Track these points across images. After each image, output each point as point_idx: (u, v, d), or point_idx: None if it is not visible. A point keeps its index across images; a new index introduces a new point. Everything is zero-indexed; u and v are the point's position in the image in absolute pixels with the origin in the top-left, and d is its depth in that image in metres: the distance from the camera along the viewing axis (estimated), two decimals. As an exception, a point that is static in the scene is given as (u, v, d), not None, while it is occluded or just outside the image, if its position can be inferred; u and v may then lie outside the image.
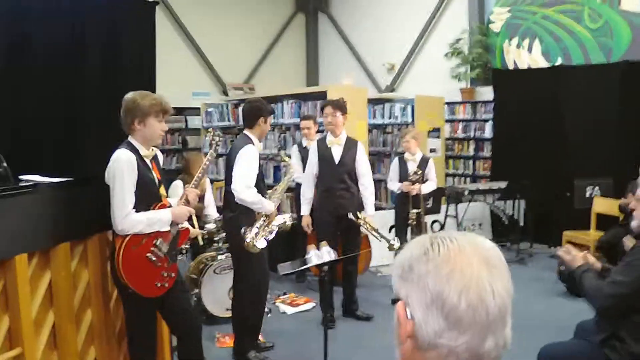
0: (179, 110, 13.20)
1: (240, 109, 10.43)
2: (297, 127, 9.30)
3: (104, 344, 4.12)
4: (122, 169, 3.75)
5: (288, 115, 9.47)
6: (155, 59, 9.90)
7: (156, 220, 3.88)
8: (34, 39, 7.77)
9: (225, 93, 14.93)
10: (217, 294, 6.27)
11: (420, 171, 7.40)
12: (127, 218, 3.75)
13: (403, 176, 7.56)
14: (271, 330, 6.19)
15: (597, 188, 8.83)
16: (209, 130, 5.14)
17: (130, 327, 4.12)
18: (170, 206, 4.07)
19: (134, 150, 3.87)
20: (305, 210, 6.68)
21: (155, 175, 4.04)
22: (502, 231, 10.00)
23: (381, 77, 15.62)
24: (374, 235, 6.43)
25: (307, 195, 6.65)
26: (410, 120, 10.32)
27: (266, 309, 6.65)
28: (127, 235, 3.78)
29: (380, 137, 11.05)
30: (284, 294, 7.31)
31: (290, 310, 6.82)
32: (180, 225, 4.10)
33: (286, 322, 6.61)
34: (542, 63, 12.01)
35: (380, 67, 15.56)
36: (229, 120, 10.78)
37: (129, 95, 3.93)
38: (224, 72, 15.16)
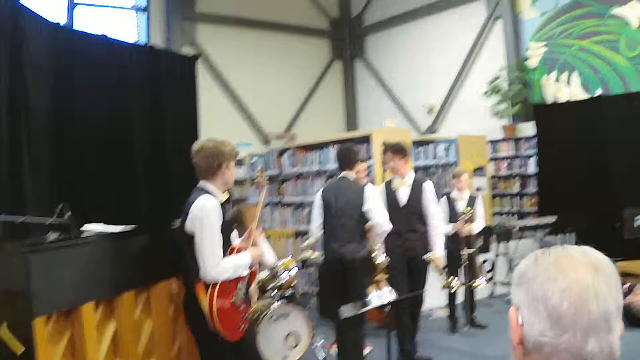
0: (223, 163, 13.30)
1: (284, 157, 10.53)
2: (342, 172, 9.32)
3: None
4: (211, 217, 3.81)
5: (333, 160, 9.49)
6: (197, 112, 10.03)
7: (240, 265, 3.96)
8: (77, 95, 7.93)
9: (266, 142, 15.07)
10: (273, 341, 6.26)
11: (471, 210, 7.38)
12: (219, 265, 3.79)
13: (452, 216, 7.54)
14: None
15: (645, 217, 8.70)
16: (258, 170, 5.23)
17: None
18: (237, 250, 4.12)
19: (214, 197, 3.96)
20: None
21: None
22: (553, 267, 9.85)
23: (420, 119, 15.63)
24: (439, 274, 6.54)
25: None
26: (454, 160, 10.30)
27: (323, 356, 6.63)
28: (216, 284, 3.78)
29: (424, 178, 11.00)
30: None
31: (347, 355, 6.75)
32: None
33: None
34: (581, 95, 11.96)
35: (419, 109, 15.58)
36: (274, 168, 10.86)
37: (206, 142, 4.12)
38: (264, 122, 15.32)
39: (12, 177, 5.52)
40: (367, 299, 4.48)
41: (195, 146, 4.10)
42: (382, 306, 4.37)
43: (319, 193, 6.43)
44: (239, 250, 4.05)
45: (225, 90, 14.81)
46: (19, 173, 5.57)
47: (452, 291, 7.04)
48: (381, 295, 4.41)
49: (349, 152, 6.27)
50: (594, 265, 1.28)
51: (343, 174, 6.22)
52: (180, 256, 3.99)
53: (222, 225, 3.89)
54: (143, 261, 3.96)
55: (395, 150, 6.38)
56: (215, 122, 13.01)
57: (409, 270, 6.36)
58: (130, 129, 8.49)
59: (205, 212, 3.80)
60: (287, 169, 10.32)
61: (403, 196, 6.40)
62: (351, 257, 6.02)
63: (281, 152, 10.72)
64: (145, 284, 3.98)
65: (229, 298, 3.88)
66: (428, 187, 6.44)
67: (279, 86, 15.74)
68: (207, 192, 3.96)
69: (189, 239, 3.83)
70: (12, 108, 5.59)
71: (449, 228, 7.44)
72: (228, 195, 4.14)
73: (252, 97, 15.11)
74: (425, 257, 6.22)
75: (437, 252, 6.35)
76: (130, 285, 3.78)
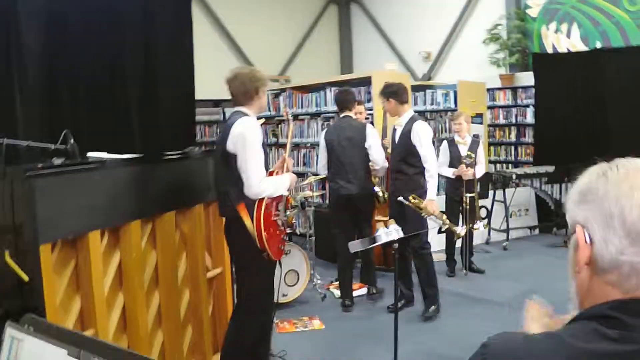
0: (216, 103, 13.16)
1: (280, 98, 10.39)
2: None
3: (172, 328, 4.07)
4: (254, 135, 3.97)
5: (331, 103, 9.35)
6: (192, 52, 9.87)
7: (280, 184, 4.14)
8: (72, 30, 7.79)
9: (260, 85, 14.89)
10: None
11: (473, 154, 7.32)
12: (262, 182, 3.95)
13: (454, 160, 7.47)
14: (332, 316, 6.16)
15: (644, 169, 8.64)
16: (284, 107, 5.37)
17: (252, 298, 4.20)
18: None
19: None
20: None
21: None
22: (548, 216, 9.89)
23: (417, 66, 15.47)
24: (436, 221, 6.27)
25: None
26: (452, 106, 10.19)
27: (320, 294, 6.62)
28: (261, 202, 3.95)
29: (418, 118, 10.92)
30: (336, 280, 7.23)
31: (345, 295, 6.76)
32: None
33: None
34: (581, 48, 11.81)
35: (416, 55, 15.41)
36: (269, 110, 10.71)
37: (242, 69, 4.29)
38: (259, 64, 15.01)
39: (4, 111, 5.43)
40: (376, 234, 4.42)
41: (230, 74, 4.21)
42: (389, 243, 4.31)
43: (323, 134, 6.60)
44: (277, 174, 4.24)
45: (219, 32, 14.55)
46: (12, 109, 5.48)
47: (459, 237, 6.91)
48: (388, 232, 4.35)
49: (347, 93, 6.71)
50: None
51: (344, 114, 6.59)
52: (219, 181, 4.17)
53: (262, 147, 4.05)
54: (149, 190, 3.85)
55: (382, 93, 6.22)
56: (209, 62, 12.81)
57: (401, 213, 6.08)
58: (123, 65, 8.36)
59: (248, 131, 3.95)
60: (283, 111, 10.18)
61: (397, 136, 6.27)
62: (356, 193, 6.29)
63: (277, 94, 10.58)
64: (151, 214, 3.88)
65: (272, 216, 4.04)
66: (417, 127, 6.06)
67: (274, 28, 15.55)
68: (246, 115, 4.11)
69: (231, 160, 3.96)
70: (4, 46, 5.47)
71: (449, 172, 7.38)
72: (263, 120, 4.25)
73: (246, 38, 14.88)
74: (400, 198, 5.99)
75: (428, 196, 6.04)
76: (136, 214, 3.68)
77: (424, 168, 6.04)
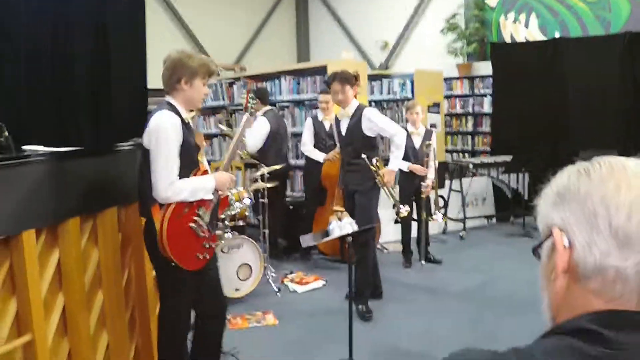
0: (170, 92, 12.95)
1: (234, 87, 10.20)
2: (296, 103, 9.08)
3: (117, 329, 3.88)
4: (167, 133, 3.53)
5: (286, 92, 9.20)
6: (145, 37, 9.65)
7: (200, 187, 3.67)
8: (18, 20, 7.53)
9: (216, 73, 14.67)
10: (225, 273, 6.06)
11: (431, 144, 7.25)
12: (172, 185, 3.52)
13: (407, 151, 7.35)
14: (287, 310, 6.02)
15: (601, 160, 8.67)
16: (244, 92, 5.00)
17: (167, 307, 3.83)
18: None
19: (176, 113, 3.66)
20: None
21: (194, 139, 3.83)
22: (505, 205, 9.88)
23: (374, 55, 15.42)
24: (386, 192, 6.04)
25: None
26: (409, 95, 10.14)
27: (275, 288, 6.48)
28: (170, 205, 3.55)
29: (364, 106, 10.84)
30: (291, 272, 7.11)
31: (300, 289, 6.61)
32: (220, 193, 3.90)
33: (299, 301, 6.39)
34: (539, 38, 11.89)
35: (373, 44, 15.35)
36: (223, 99, 10.52)
37: (175, 54, 3.76)
38: (214, 53, 14.81)
39: None
40: (328, 228, 4.29)
41: (165, 56, 3.82)
42: (342, 237, 4.19)
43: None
44: (203, 174, 3.80)
45: (173, 19, 14.29)
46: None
47: (400, 219, 6.67)
48: (342, 226, 4.23)
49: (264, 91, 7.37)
50: None
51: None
52: (139, 177, 3.74)
53: (184, 144, 3.61)
54: (89, 185, 3.64)
55: (344, 78, 5.84)
56: (163, 50, 12.54)
57: (352, 205, 5.96)
58: (72, 49, 8.10)
59: (161, 127, 3.53)
60: (238, 100, 10.00)
61: (344, 127, 6.03)
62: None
63: (231, 83, 10.39)
64: (92, 210, 3.68)
65: (186, 222, 3.62)
66: (366, 112, 5.84)
67: (229, 16, 15.33)
68: (170, 107, 3.67)
69: (146, 156, 3.57)
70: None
71: (405, 165, 7.24)
72: (193, 115, 3.85)
73: (201, 26, 14.65)
74: (363, 156, 5.74)
75: (390, 165, 5.90)
76: (75, 211, 3.47)
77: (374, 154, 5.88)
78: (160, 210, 3.54)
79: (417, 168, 7.24)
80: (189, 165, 3.67)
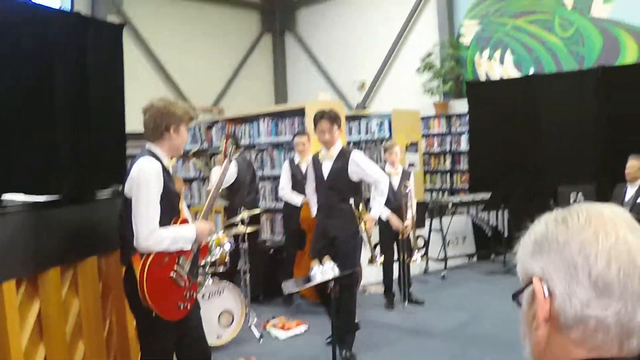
0: (148, 135, 12.94)
1: (213, 130, 10.20)
2: (274, 146, 9.09)
3: (99, 379, 3.84)
4: (148, 180, 3.49)
5: (265, 134, 9.21)
6: (123, 81, 9.64)
7: (180, 237, 3.61)
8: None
9: (194, 116, 14.68)
10: (206, 320, 5.98)
11: (408, 186, 7.27)
12: (153, 234, 3.45)
13: (388, 192, 7.35)
14: (269, 358, 5.91)
15: (580, 194, 8.74)
16: (223, 137, 4.96)
17: (148, 355, 3.71)
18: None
19: (158, 160, 3.63)
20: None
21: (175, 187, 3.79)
22: (485, 243, 9.90)
23: (351, 95, 15.53)
24: (366, 238, 5.86)
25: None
26: (387, 135, 10.17)
27: (257, 335, 6.41)
28: (150, 254, 3.47)
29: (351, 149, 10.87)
30: (273, 317, 7.04)
31: (282, 335, 6.53)
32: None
33: (281, 347, 6.30)
34: (514, 74, 12.05)
35: (350, 84, 15.48)
36: (201, 142, 10.51)
37: (159, 102, 3.72)
38: (192, 95, 14.90)
39: None
40: (310, 274, 4.26)
41: (146, 104, 3.77)
42: (324, 282, 4.16)
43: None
44: (183, 222, 3.75)
45: (151, 62, 14.36)
46: None
47: (377, 265, 6.63)
48: (324, 271, 4.21)
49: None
50: (628, 222, 1.09)
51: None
52: (120, 225, 3.67)
53: (165, 192, 3.58)
54: (69, 235, 3.61)
55: (333, 118, 5.59)
56: (141, 93, 12.56)
57: (333, 252, 5.63)
58: (53, 98, 8.08)
59: (143, 175, 3.49)
60: (216, 143, 9.98)
61: (326, 170, 5.72)
62: None
63: (210, 126, 10.38)
64: (72, 259, 3.64)
65: (166, 272, 3.55)
66: (356, 156, 5.67)
67: (206, 58, 15.43)
68: (152, 154, 3.63)
69: (128, 204, 3.52)
70: None
71: (384, 214, 7.20)
72: (175, 162, 3.80)
73: (179, 69, 14.73)
74: (351, 201, 5.60)
75: (371, 213, 5.80)
76: (55, 261, 3.43)
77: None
78: (139, 260, 3.47)
79: (395, 221, 7.21)
80: (169, 213, 3.63)
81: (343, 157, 5.65)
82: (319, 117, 5.62)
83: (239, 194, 7.56)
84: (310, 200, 6.23)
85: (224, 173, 4.31)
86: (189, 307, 3.71)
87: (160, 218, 3.53)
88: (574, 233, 1.07)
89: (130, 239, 3.50)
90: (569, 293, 1.04)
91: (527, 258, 1.15)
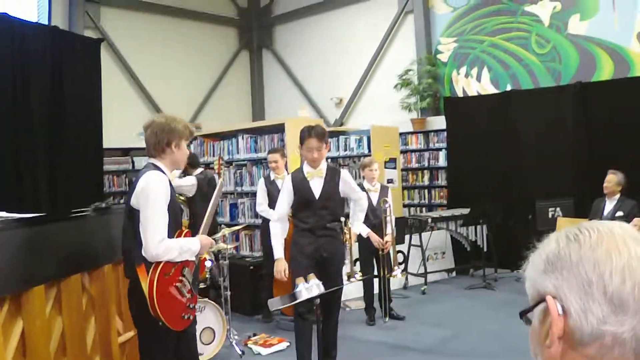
0: (125, 151, 12.86)
1: (191, 147, 10.15)
2: (253, 162, 9.07)
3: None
4: (157, 192, 3.62)
5: (244, 150, 9.19)
6: (101, 97, 9.66)
7: (187, 248, 3.73)
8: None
9: (171, 132, 14.61)
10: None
11: (387, 201, 7.28)
12: (162, 243, 3.55)
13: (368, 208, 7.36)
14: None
15: (558, 209, 8.81)
16: (216, 158, 5.05)
17: None
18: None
19: (163, 174, 3.76)
20: (280, 252, 5.42)
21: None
22: (464, 258, 9.93)
23: (329, 112, 15.56)
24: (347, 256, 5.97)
25: (282, 237, 5.51)
26: (366, 151, 10.21)
27: (239, 351, 6.37)
28: (158, 265, 3.56)
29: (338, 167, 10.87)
30: (254, 334, 7.00)
31: (264, 351, 6.50)
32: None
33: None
34: (491, 91, 12.16)
35: (328, 101, 15.51)
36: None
37: (159, 118, 3.85)
38: (169, 111, 14.70)
39: None
40: (295, 290, 4.24)
41: (147, 121, 3.87)
42: (310, 299, 4.14)
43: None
44: (187, 235, 3.85)
45: (128, 77, 14.29)
46: None
47: (356, 280, 6.64)
48: (309, 287, 4.19)
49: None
50: (636, 239, 1.10)
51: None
52: (124, 238, 3.75)
53: (171, 204, 3.70)
54: (53, 252, 3.57)
55: (322, 136, 5.27)
56: (118, 109, 12.59)
57: (321, 272, 5.17)
58: (30, 112, 8.06)
59: (151, 187, 3.61)
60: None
61: (316, 188, 5.38)
62: None
63: (187, 144, 10.31)
64: (56, 277, 3.60)
65: (172, 283, 3.65)
66: (345, 174, 5.54)
67: (184, 75, 15.39)
68: (157, 168, 3.75)
69: (133, 216, 3.62)
70: None
71: (364, 231, 7.19)
72: (176, 176, 3.91)
73: (156, 85, 14.66)
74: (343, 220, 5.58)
75: (353, 228, 5.82)
76: (40, 279, 3.39)
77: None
78: (145, 271, 3.55)
79: (375, 239, 7.21)
80: (173, 226, 3.72)
81: (333, 175, 5.45)
82: (307, 134, 5.28)
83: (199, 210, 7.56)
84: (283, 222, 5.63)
85: (219, 189, 4.45)
86: (190, 318, 3.82)
87: (167, 230, 3.64)
88: (586, 251, 1.08)
89: (134, 251, 3.60)
90: (585, 310, 1.05)
91: (538, 276, 1.15)
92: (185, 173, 7.68)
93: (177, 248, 3.64)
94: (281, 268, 5.25)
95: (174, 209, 3.72)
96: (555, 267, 1.11)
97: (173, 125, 3.79)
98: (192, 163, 7.84)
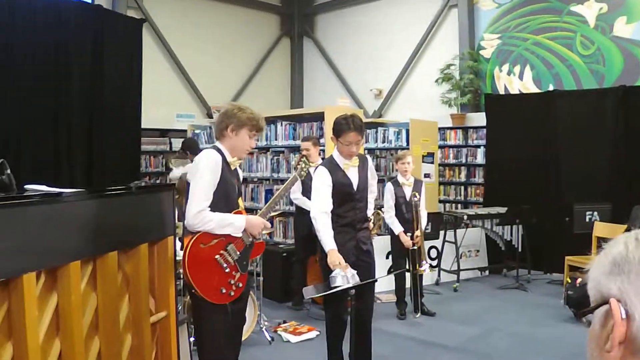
0: (163, 132, 12.92)
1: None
2: (291, 149, 9.06)
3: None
4: (205, 166, 3.87)
5: (282, 137, 9.18)
6: (141, 76, 9.70)
7: (228, 222, 3.91)
8: (18, 53, 7.56)
9: (209, 116, 14.62)
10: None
11: (417, 195, 7.19)
12: (201, 214, 3.80)
13: (399, 202, 7.30)
14: (279, 360, 5.90)
15: (595, 213, 8.67)
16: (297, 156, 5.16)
17: (200, 339, 4.13)
18: None
19: (221, 154, 3.98)
20: (332, 243, 4.83)
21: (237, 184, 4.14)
22: (498, 257, 9.83)
23: (368, 103, 15.49)
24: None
25: (331, 229, 4.95)
26: (404, 144, 10.11)
27: (268, 337, 6.37)
28: (196, 233, 3.82)
29: (373, 161, 10.80)
30: (284, 322, 6.99)
31: (294, 338, 6.49)
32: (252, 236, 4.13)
33: (293, 351, 6.27)
34: (533, 90, 12.00)
35: (367, 92, 15.45)
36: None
37: (231, 105, 4.15)
38: (208, 95, 14.89)
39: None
40: (331, 275, 4.21)
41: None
42: (346, 289, 4.09)
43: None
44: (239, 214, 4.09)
45: (169, 59, 14.34)
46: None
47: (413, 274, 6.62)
48: (344, 276, 4.15)
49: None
50: None
51: None
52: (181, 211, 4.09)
53: (222, 182, 3.92)
54: (90, 228, 3.55)
55: (362, 130, 4.98)
56: (158, 90, 12.62)
57: (359, 266, 4.89)
58: (71, 89, 8.13)
59: (202, 161, 3.88)
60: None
61: (354, 179, 5.10)
62: None
63: (226, 126, 10.33)
64: (92, 254, 3.59)
65: (212, 253, 3.87)
66: (371, 163, 5.36)
67: (224, 59, 15.42)
68: (216, 148, 4.03)
69: (188, 188, 3.92)
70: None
71: (396, 229, 7.26)
72: (239, 162, 4.11)
73: (196, 68, 14.70)
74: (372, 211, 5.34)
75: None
76: (76, 254, 3.38)
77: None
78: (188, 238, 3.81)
79: (404, 239, 7.19)
80: (227, 205, 3.96)
81: (363, 163, 5.21)
82: (346, 127, 4.92)
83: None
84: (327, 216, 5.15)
85: (290, 182, 4.77)
86: (232, 295, 3.96)
87: (215, 206, 3.87)
88: None
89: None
90: None
91: (603, 278, 1.10)
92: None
93: (216, 220, 3.83)
94: (336, 259, 4.65)
95: (225, 188, 3.93)
96: (622, 270, 1.07)
97: (235, 112, 4.01)
98: (191, 149, 7.82)
